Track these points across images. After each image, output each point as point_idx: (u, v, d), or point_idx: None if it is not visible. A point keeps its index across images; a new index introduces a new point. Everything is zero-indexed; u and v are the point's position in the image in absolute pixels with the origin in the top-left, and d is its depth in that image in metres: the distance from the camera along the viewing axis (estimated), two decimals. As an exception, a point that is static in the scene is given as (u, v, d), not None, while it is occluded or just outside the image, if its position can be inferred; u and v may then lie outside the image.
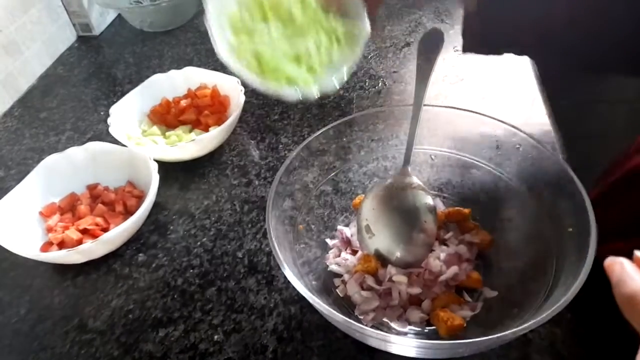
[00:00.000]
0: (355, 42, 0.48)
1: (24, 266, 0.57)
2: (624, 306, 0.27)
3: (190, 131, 0.71)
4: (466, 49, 0.54)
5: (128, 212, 0.60)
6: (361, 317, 0.47)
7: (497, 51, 0.55)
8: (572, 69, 0.56)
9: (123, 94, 0.71)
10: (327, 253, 0.53)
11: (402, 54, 0.84)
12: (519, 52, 0.57)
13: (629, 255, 0.29)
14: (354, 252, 0.52)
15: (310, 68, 0.45)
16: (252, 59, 0.45)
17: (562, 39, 0.48)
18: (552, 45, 0.49)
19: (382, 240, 0.49)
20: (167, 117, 0.72)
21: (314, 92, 0.45)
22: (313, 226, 0.53)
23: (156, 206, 0.61)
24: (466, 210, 0.53)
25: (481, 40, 0.51)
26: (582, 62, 0.52)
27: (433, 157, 0.56)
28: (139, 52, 0.93)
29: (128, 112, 0.70)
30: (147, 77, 0.73)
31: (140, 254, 0.58)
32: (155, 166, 0.59)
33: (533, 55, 0.67)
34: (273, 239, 0.44)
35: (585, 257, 0.38)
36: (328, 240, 0.54)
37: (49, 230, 0.58)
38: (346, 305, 0.48)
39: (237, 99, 0.68)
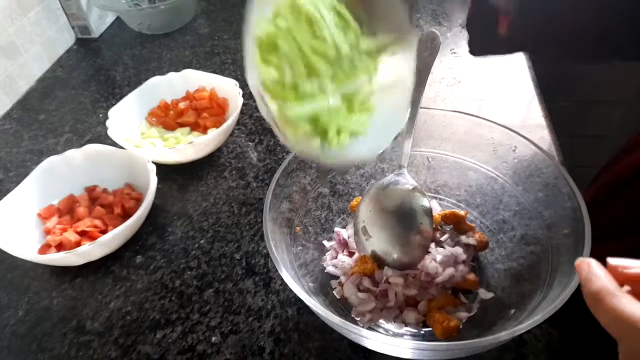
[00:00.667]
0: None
1: (22, 268, 0.58)
2: (590, 303, 0.28)
3: (189, 133, 0.71)
4: (480, 51, 0.48)
5: (126, 214, 0.60)
6: (358, 318, 0.47)
7: (516, 50, 0.51)
8: (578, 61, 0.52)
9: (122, 96, 0.72)
10: (324, 255, 0.53)
11: (400, 56, 0.84)
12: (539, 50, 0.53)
13: (627, 255, 0.30)
14: (351, 254, 0.52)
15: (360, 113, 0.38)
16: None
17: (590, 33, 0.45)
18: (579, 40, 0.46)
19: (378, 242, 0.50)
20: (165, 119, 0.72)
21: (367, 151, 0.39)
22: (310, 228, 0.54)
23: (154, 208, 0.62)
24: (462, 212, 0.53)
25: (503, 39, 0.45)
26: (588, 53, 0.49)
27: (430, 159, 0.57)
28: (138, 54, 0.93)
29: (126, 115, 0.70)
30: (146, 79, 0.73)
31: (139, 256, 0.58)
32: (154, 168, 0.59)
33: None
34: (270, 241, 0.44)
35: (580, 259, 0.38)
36: (325, 242, 0.54)
37: (47, 232, 0.58)
38: (343, 307, 0.48)
39: (235, 102, 0.68)
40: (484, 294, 0.48)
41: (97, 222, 0.59)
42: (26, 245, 0.57)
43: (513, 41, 0.45)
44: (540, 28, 0.44)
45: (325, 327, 0.47)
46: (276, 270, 0.51)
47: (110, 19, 1.02)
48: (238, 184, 0.65)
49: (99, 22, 0.99)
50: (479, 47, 0.48)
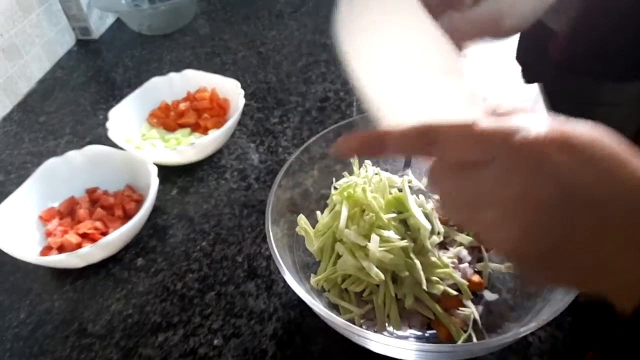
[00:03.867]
0: None
1: (23, 270, 0.57)
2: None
3: (190, 134, 0.71)
4: (534, 78, 0.47)
5: (127, 216, 0.60)
6: (361, 320, 0.47)
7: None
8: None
9: (122, 97, 0.71)
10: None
11: (401, 56, 0.83)
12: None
13: None
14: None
15: None
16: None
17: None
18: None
19: None
20: (166, 120, 0.72)
21: None
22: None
23: (155, 210, 0.61)
24: (466, 213, 0.53)
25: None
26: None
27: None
28: (138, 55, 0.93)
29: (127, 116, 0.70)
30: (146, 80, 0.73)
31: (140, 259, 0.58)
32: (155, 170, 0.59)
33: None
34: (272, 243, 0.44)
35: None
36: (328, 244, 0.53)
37: (49, 234, 0.58)
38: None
39: (236, 102, 0.68)
40: (489, 295, 0.47)
41: (98, 224, 0.58)
42: (27, 247, 0.56)
43: (566, 63, 0.43)
44: (590, 46, 0.42)
45: (328, 330, 0.47)
46: (278, 273, 0.51)
47: (110, 20, 1.02)
48: (239, 185, 0.65)
49: (99, 24, 0.98)
50: (532, 75, 0.46)
